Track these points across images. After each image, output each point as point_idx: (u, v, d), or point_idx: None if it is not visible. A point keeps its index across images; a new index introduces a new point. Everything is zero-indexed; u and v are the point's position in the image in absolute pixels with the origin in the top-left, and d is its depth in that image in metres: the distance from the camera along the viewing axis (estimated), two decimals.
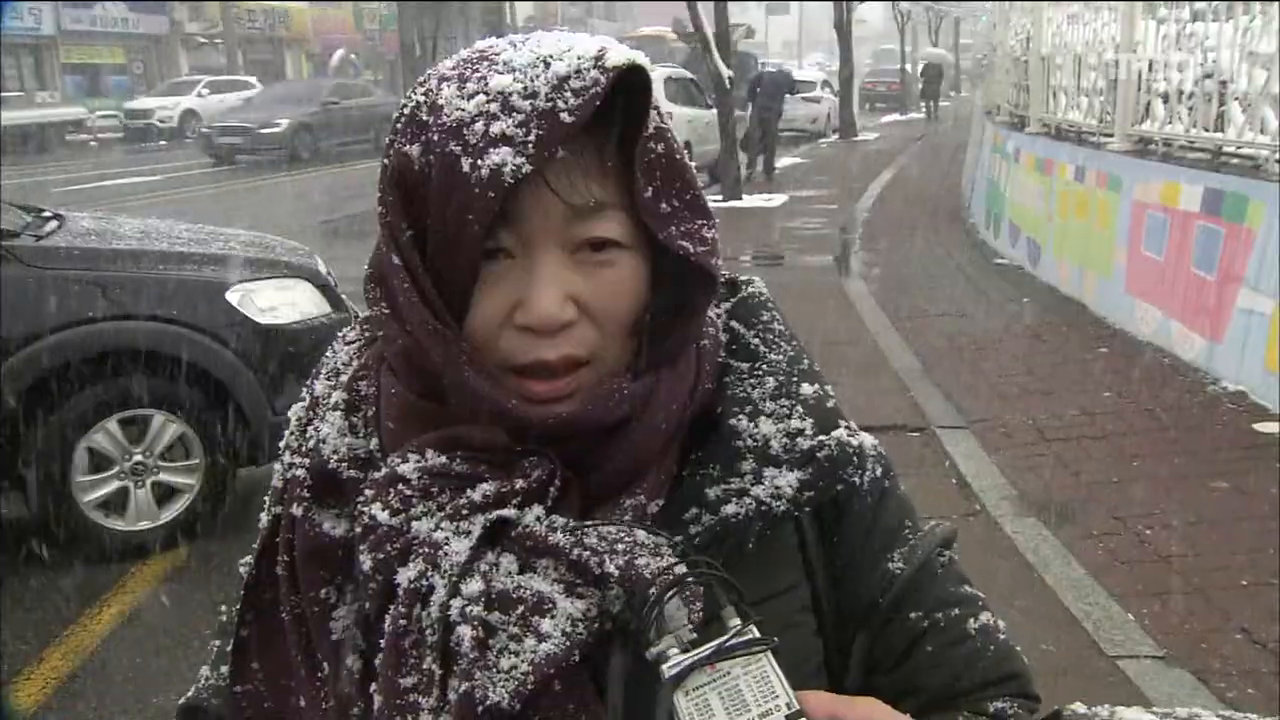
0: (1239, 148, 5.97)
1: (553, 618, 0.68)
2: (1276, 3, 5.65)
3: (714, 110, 14.69)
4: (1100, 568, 3.76)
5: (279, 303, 4.41)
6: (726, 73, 13.87)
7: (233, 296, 4.27)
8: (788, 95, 18.31)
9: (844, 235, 11.64)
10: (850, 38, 25.75)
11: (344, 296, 4.82)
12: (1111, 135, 7.53)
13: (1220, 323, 5.66)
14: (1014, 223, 9.67)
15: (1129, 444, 4.90)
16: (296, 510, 0.77)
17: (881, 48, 56.87)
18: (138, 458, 4.15)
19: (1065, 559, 3.85)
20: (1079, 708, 0.71)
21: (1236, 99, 5.98)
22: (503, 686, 0.67)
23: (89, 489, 4.10)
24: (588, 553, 0.69)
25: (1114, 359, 6.25)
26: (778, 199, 14.70)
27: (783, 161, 19.90)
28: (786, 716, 0.62)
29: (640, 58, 0.71)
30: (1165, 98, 6.81)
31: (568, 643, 0.68)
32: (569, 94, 0.68)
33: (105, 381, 4.05)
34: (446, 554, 0.70)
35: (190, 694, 0.90)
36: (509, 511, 0.71)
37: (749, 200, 14.14)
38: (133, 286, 4.13)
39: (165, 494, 4.25)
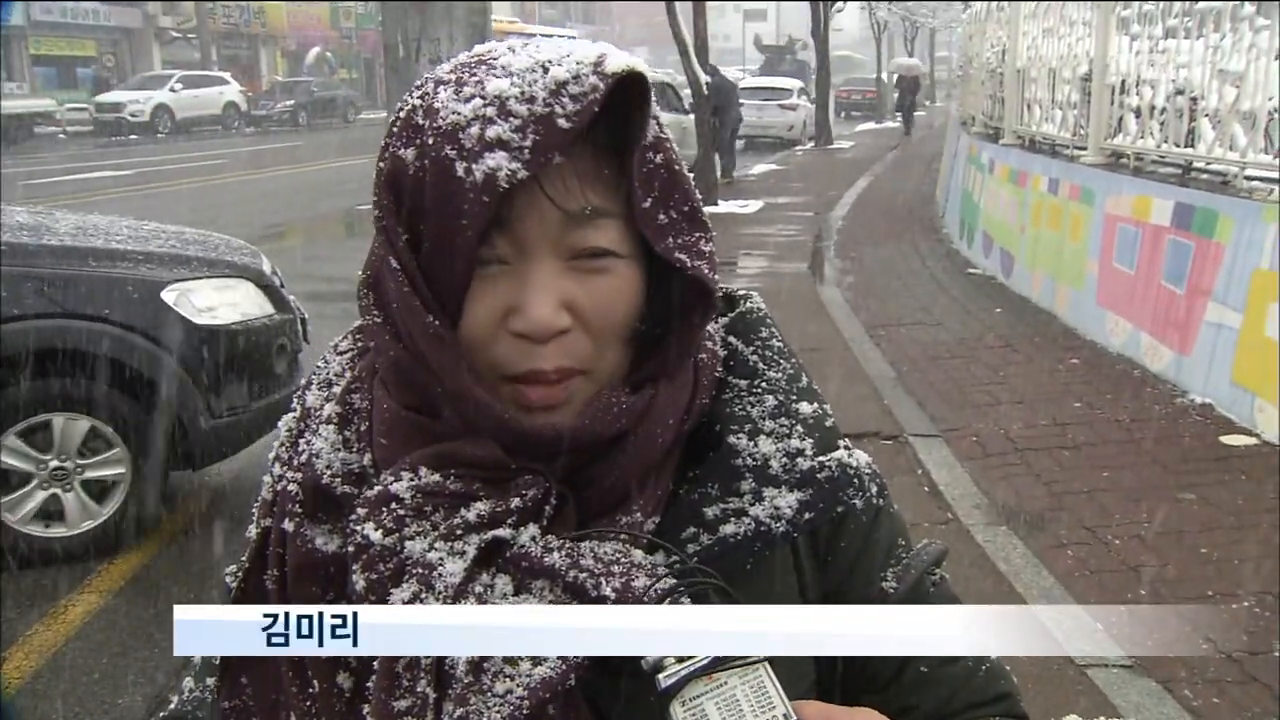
0: (1209, 163, 6.06)
1: None
2: (1247, 20, 5.74)
3: (691, 115, 14.73)
4: (1069, 577, 3.79)
5: (218, 303, 4.29)
6: (704, 78, 13.91)
7: (168, 296, 4.15)
8: (741, 101, 18.47)
9: (819, 243, 11.69)
10: (827, 45, 25.88)
11: (291, 298, 4.73)
12: (1085, 149, 7.62)
13: (1189, 336, 5.73)
14: (987, 233, 9.75)
15: (1099, 454, 4.94)
16: (288, 525, 0.76)
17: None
18: (54, 464, 4.01)
19: (1035, 568, 3.88)
20: None
21: (1207, 115, 6.07)
22: (497, 711, 0.66)
23: (12, 507, 3.96)
24: (584, 574, 0.68)
25: (1085, 370, 6.31)
26: (753, 205, 14.74)
27: (758, 168, 20.01)
28: None
29: (640, 65, 0.71)
30: (1138, 113, 6.90)
31: (563, 666, 0.67)
32: (566, 99, 0.67)
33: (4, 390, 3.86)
34: (440, 575, 0.69)
35: (174, 706, 0.89)
36: (504, 532, 0.70)
37: (724, 206, 14.18)
38: (61, 284, 3.99)
39: (102, 490, 4.12)
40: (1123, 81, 7.14)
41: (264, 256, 4.89)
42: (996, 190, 9.61)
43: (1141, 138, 6.81)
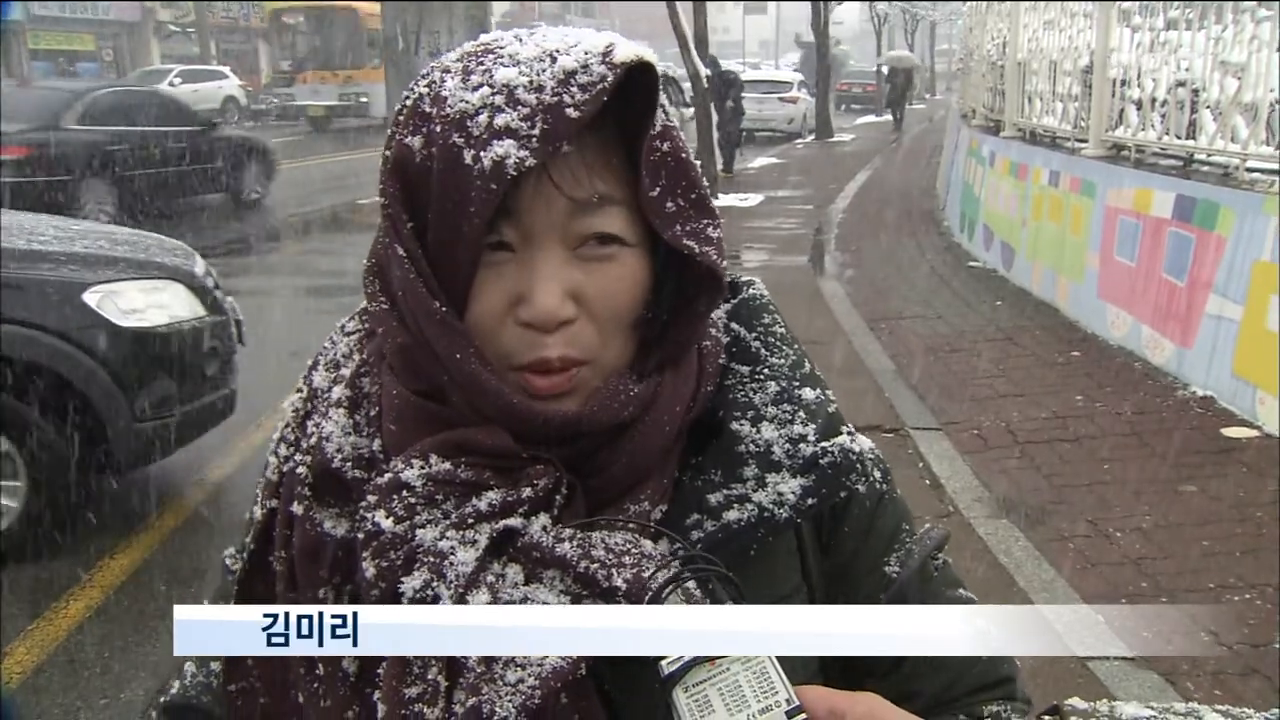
0: (1210, 155, 6.05)
1: None
2: (1248, 12, 5.72)
3: (691, 109, 14.71)
4: (1071, 570, 3.80)
5: (145, 305, 4.23)
6: (705, 71, 13.89)
7: (91, 297, 4.07)
8: (743, 95, 18.44)
9: (819, 236, 11.69)
10: (828, 39, 25.83)
11: (228, 299, 4.67)
12: (1086, 141, 7.60)
13: (1190, 328, 5.73)
14: (988, 226, 9.74)
15: (1100, 447, 4.95)
16: (296, 508, 0.76)
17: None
18: None
19: (1036, 560, 3.88)
20: (1077, 702, 0.72)
21: (1208, 107, 6.05)
22: (509, 700, 0.66)
23: None
24: (595, 565, 0.68)
25: (1086, 363, 6.31)
26: (753, 198, 14.73)
27: (758, 161, 20.00)
28: (786, 712, 0.61)
29: (649, 55, 0.70)
30: (1139, 104, 6.88)
31: (574, 656, 0.67)
32: (575, 89, 0.67)
33: None
34: (452, 564, 0.69)
35: (175, 691, 0.89)
36: (515, 521, 0.71)
37: (725, 199, 14.17)
38: None
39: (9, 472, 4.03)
40: (1124, 74, 7.13)
41: (198, 257, 4.80)
42: (997, 183, 9.59)
43: (1143, 130, 6.80)
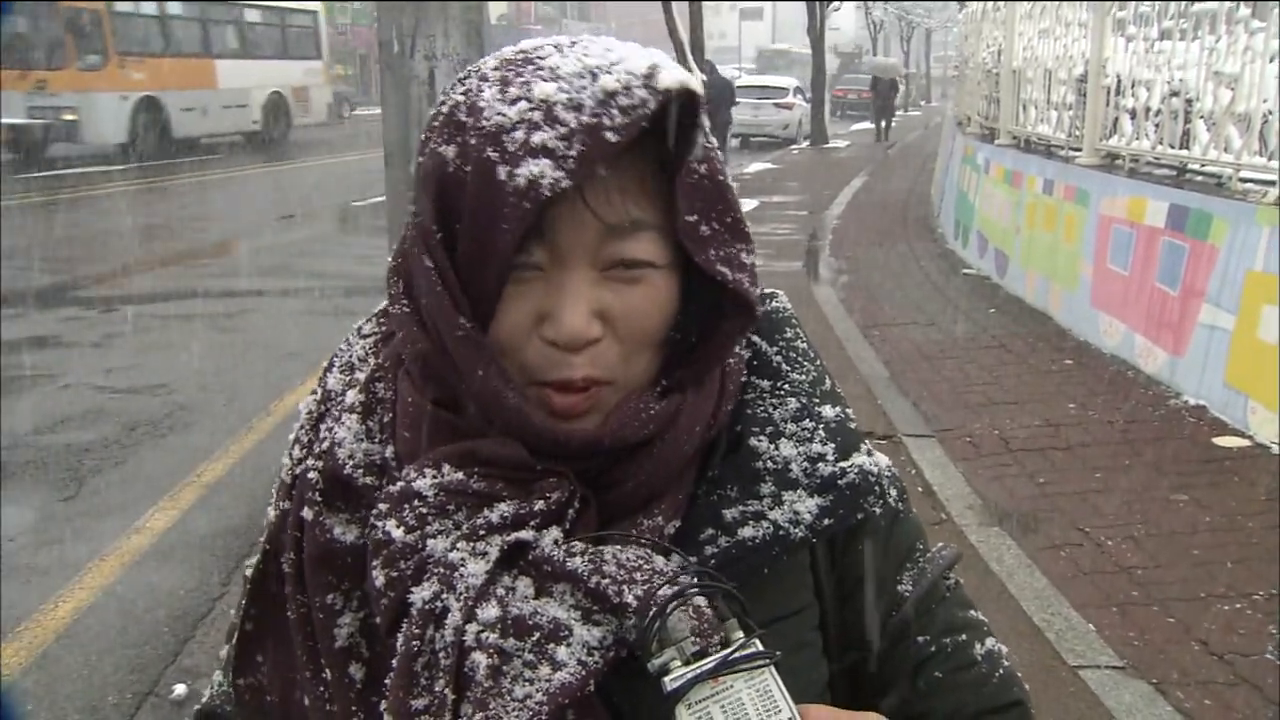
0: (1203, 165, 6.06)
1: (569, 645, 0.67)
2: (1242, 23, 5.75)
3: None
4: (1062, 578, 3.80)
5: None
6: (701, 77, 13.92)
7: None
8: (737, 101, 18.42)
9: (813, 242, 11.70)
10: (823, 45, 25.88)
11: None
12: (1080, 150, 7.62)
13: (1182, 337, 5.74)
14: (982, 233, 9.76)
15: (1092, 455, 4.95)
16: (307, 513, 0.76)
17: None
18: None
19: (1028, 569, 3.88)
20: None
21: (1201, 117, 6.07)
22: (517, 715, 0.66)
23: None
24: (606, 580, 0.68)
25: (1079, 371, 6.32)
26: (748, 204, 14.75)
27: (753, 167, 20.01)
28: None
29: (693, 81, 0.69)
30: (1133, 114, 6.90)
31: (584, 671, 0.67)
32: (615, 111, 0.66)
33: None
34: (462, 575, 0.68)
35: (205, 699, 0.89)
36: (527, 534, 0.70)
37: None
38: None
39: None
40: (1118, 83, 7.15)
41: None
42: (991, 191, 9.61)
43: (1137, 139, 6.81)
